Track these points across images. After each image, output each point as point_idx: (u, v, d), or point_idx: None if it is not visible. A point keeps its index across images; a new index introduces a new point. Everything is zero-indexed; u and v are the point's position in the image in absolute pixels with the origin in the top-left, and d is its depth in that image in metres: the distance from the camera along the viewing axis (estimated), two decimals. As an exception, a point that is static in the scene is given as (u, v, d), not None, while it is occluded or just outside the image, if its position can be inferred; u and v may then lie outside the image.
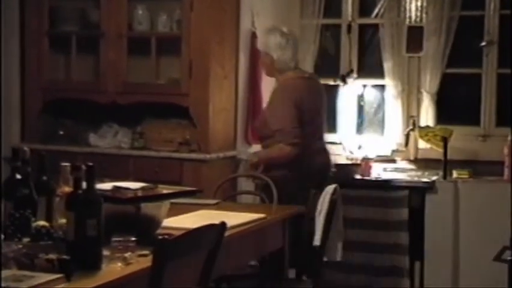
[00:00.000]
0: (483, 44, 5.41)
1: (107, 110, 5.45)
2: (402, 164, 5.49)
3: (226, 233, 2.82)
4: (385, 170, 5.41)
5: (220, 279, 3.96)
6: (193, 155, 5.18)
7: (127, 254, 2.60)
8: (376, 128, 5.78)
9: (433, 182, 5.09)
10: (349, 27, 5.74)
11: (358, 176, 5.26)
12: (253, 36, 5.59)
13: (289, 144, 4.36)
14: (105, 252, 2.55)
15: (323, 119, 4.68)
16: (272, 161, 4.48)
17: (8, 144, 5.16)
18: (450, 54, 5.46)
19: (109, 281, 2.40)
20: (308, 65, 5.77)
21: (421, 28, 5.45)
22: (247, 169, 4.79)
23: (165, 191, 3.11)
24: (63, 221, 2.63)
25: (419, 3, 5.47)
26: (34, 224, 2.72)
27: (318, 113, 4.58)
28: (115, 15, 5.37)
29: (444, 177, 5.15)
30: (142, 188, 3.02)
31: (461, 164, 5.25)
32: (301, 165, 4.39)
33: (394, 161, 5.49)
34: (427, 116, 5.49)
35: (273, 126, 4.43)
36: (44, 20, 5.56)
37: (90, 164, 2.54)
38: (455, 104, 5.64)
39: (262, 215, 3.67)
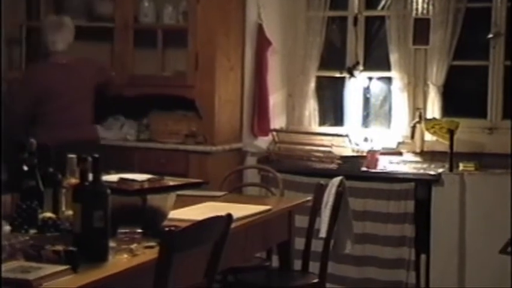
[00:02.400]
0: (490, 36, 5.39)
1: (113, 102, 5.45)
2: (408, 156, 5.48)
3: (233, 225, 2.82)
4: (391, 162, 5.40)
5: (226, 271, 3.97)
6: (199, 147, 5.18)
7: (133, 246, 2.61)
8: (382, 120, 5.77)
9: (439, 174, 5.08)
10: (356, 19, 5.73)
11: (364, 169, 5.26)
12: (260, 28, 5.58)
13: None
14: (112, 244, 2.56)
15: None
16: None
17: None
18: (457, 46, 5.43)
19: (115, 273, 2.41)
20: (314, 57, 5.76)
21: (427, 20, 5.43)
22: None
23: (171, 183, 3.12)
24: (70, 212, 2.64)
25: (425, -5, 5.45)
26: (41, 216, 2.74)
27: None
28: (121, 8, 5.37)
29: (450, 169, 5.14)
30: (148, 180, 3.02)
31: (467, 156, 5.24)
32: None
33: (400, 154, 5.48)
34: (433, 108, 5.48)
35: None
36: (50, 12, 5.56)
37: (96, 155, 2.54)
38: (461, 97, 5.62)
39: (268, 207, 3.68)
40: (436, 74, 5.45)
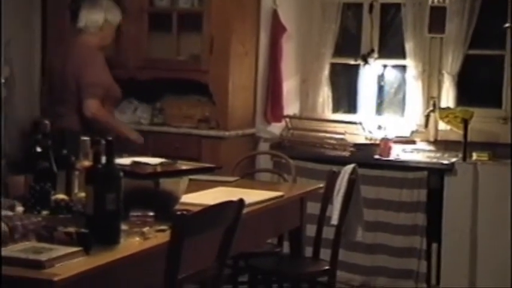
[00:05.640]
0: (507, 25, 5.35)
1: (127, 85, 5.45)
2: (422, 145, 5.46)
3: (244, 210, 2.83)
4: (404, 150, 5.38)
5: (237, 256, 3.97)
6: (212, 132, 5.18)
7: (145, 229, 2.61)
8: (396, 108, 5.75)
9: (453, 163, 5.07)
10: (371, 6, 5.70)
11: (377, 157, 5.25)
12: (275, 14, 5.56)
13: None
14: (124, 227, 2.57)
15: None
16: None
17: (30, 118, 5.18)
18: (473, 35, 5.40)
19: (127, 255, 2.42)
20: (329, 43, 5.74)
21: (443, 8, 5.39)
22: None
23: (184, 167, 3.12)
24: (82, 194, 2.65)
25: (442, -16, 5.42)
26: (53, 197, 2.74)
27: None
28: (136, -9, 5.36)
29: (464, 159, 5.12)
30: (161, 164, 3.03)
31: (481, 146, 5.21)
32: None
33: (413, 142, 5.46)
34: (447, 97, 5.45)
35: None
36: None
37: (110, 138, 2.55)
38: (476, 86, 5.59)
39: (280, 193, 3.68)
40: (451, 63, 5.42)
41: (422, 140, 5.48)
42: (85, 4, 4.83)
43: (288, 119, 5.66)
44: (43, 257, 2.21)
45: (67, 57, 4.72)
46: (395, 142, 5.36)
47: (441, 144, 5.43)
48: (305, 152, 5.41)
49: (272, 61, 5.61)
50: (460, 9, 5.36)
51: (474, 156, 5.15)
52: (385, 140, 5.32)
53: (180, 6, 5.38)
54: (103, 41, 4.81)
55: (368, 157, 5.20)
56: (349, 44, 5.85)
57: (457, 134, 5.26)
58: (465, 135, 5.17)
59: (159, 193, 2.94)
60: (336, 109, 5.89)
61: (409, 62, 5.55)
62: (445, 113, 5.33)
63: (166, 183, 2.97)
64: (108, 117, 4.67)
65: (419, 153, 5.37)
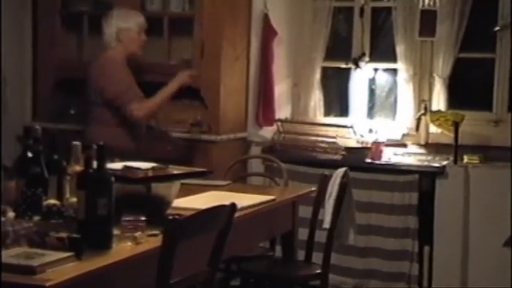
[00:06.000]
0: (497, 28, 5.37)
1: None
2: (413, 148, 5.48)
3: (237, 214, 2.83)
4: (395, 154, 5.39)
5: (230, 260, 3.98)
6: (204, 136, 5.18)
7: (137, 234, 2.61)
8: (387, 112, 5.76)
9: (444, 166, 5.08)
10: (362, 10, 5.71)
11: (368, 160, 5.26)
12: (266, 18, 5.57)
13: None
14: (116, 232, 2.57)
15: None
16: None
17: (20, 123, 5.17)
18: (463, 39, 5.42)
19: (119, 260, 2.42)
20: (320, 47, 5.75)
21: (434, 12, 5.41)
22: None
23: (175, 172, 3.12)
24: (74, 199, 2.64)
25: (433, -13, 5.43)
26: (45, 203, 2.74)
27: None
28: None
29: (455, 162, 5.13)
30: (153, 168, 3.03)
31: (472, 149, 5.23)
32: None
33: (404, 145, 5.47)
34: (438, 100, 5.47)
35: None
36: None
37: (101, 143, 2.54)
38: (467, 89, 5.61)
39: (272, 197, 3.68)
40: (442, 66, 5.44)
41: (413, 143, 5.49)
42: (102, 20, 4.80)
43: (279, 123, 5.67)
44: (35, 263, 2.20)
45: (89, 76, 4.71)
46: (387, 145, 5.37)
47: (432, 147, 5.44)
48: (297, 155, 5.41)
49: (263, 65, 5.61)
50: (451, 12, 5.38)
51: (465, 159, 5.16)
52: (377, 144, 5.32)
53: (171, 10, 5.37)
54: (127, 50, 4.71)
55: (359, 160, 5.21)
56: (340, 48, 5.86)
57: (448, 137, 5.27)
58: (456, 138, 5.19)
59: (151, 198, 2.94)
60: (327, 113, 5.89)
61: (400, 65, 5.56)
62: (436, 116, 5.35)
63: (158, 188, 2.97)
64: (150, 107, 4.63)
65: (411, 157, 5.38)
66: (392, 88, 5.73)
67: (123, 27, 4.70)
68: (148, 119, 4.64)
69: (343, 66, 5.79)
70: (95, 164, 2.51)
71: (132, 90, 4.58)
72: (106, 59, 4.68)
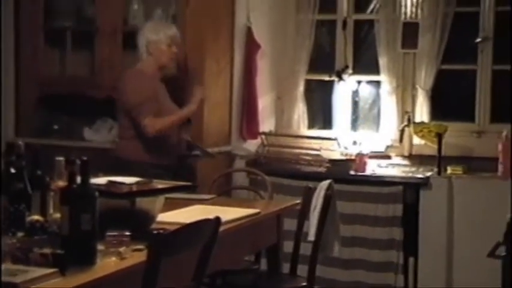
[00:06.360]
0: (478, 40, 5.41)
1: (101, 104, 5.44)
2: (397, 159, 5.49)
3: (221, 228, 2.82)
4: (379, 165, 5.41)
5: (215, 274, 3.96)
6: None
7: (122, 249, 2.60)
8: (370, 124, 5.78)
9: (428, 178, 5.10)
10: (345, 23, 5.74)
11: (352, 172, 5.27)
12: (249, 31, 5.58)
13: None
14: (100, 247, 2.55)
15: None
16: None
17: (3, 139, 5.15)
18: (445, 51, 5.45)
19: (104, 276, 2.41)
20: (303, 60, 5.77)
21: (416, 24, 5.45)
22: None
23: (159, 186, 3.12)
24: (58, 215, 2.63)
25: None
26: (28, 218, 2.72)
27: None
28: (110, 10, 5.36)
29: (438, 173, 5.16)
30: (137, 183, 3.02)
31: (455, 160, 5.26)
32: None
33: (388, 157, 5.49)
34: (421, 112, 5.49)
35: None
36: (39, 14, 5.54)
37: (85, 158, 2.54)
38: (450, 100, 5.64)
39: (256, 210, 3.68)
40: (424, 78, 5.47)
41: (397, 155, 5.51)
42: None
43: (263, 136, 5.68)
44: (18, 279, 2.19)
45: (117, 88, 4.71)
46: (371, 157, 5.39)
47: (416, 158, 5.47)
48: (281, 168, 5.42)
49: (247, 78, 5.62)
50: (432, 24, 5.42)
51: (449, 170, 5.19)
52: (361, 156, 5.34)
53: (154, 25, 5.37)
54: (157, 62, 4.65)
55: (344, 173, 5.22)
56: (324, 61, 5.88)
57: (431, 148, 5.29)
58: (439, 150, 5.21)
59: (135, 212, 2.93)
60: (311, 125, 5.91)
61: (383, 77, 5.59)
62: (419, 127, 5.37)
63: (142, 202, 2.96)
64: (164, 123, 4.55)
65: (395, 168, 5.40)
66: (376, 100, 5.75)
67: (153, 39, 4.64)
68: (159, 135, 4.55)
69: (327, 78, 5.81)
70: (78, 179, 2.50)
71: (151, 103, 4.50)
72: (132, 71, 4.67)
